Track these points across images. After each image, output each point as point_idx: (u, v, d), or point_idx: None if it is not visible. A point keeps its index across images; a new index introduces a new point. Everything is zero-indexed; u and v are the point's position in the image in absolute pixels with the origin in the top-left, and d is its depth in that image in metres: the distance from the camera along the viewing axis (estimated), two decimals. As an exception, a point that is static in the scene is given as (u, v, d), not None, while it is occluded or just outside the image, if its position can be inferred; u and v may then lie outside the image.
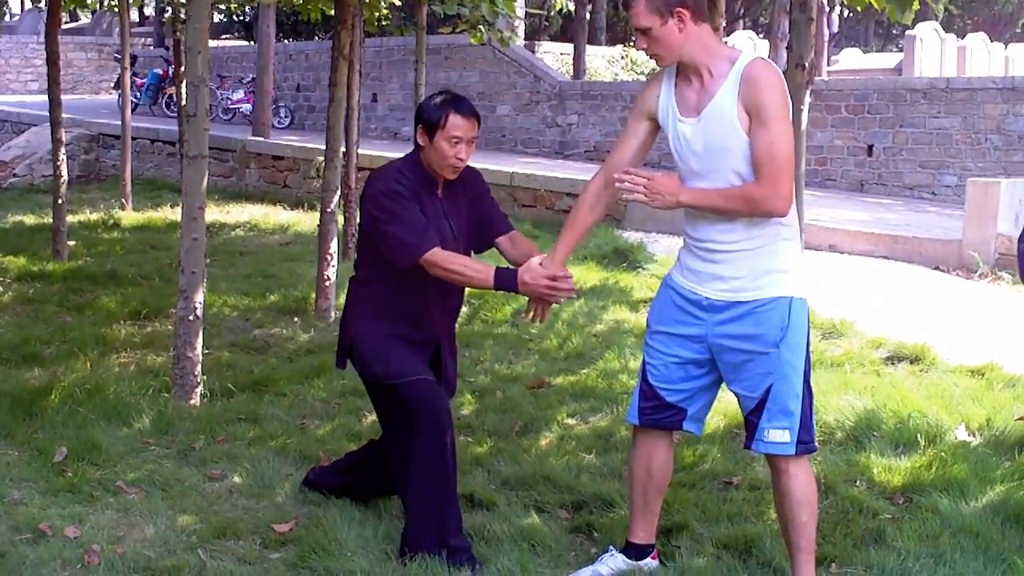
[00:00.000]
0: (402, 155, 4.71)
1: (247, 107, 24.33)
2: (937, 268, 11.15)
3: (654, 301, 4.38)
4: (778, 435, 4.09)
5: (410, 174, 4.54)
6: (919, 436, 5.83)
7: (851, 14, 37.58)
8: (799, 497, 4.15)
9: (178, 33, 14.69)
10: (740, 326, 4.07)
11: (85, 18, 42.54)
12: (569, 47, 25.02)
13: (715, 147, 3.98)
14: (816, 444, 4.22)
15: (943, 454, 5.60)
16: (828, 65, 25.03)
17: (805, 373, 4.13)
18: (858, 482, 5.40)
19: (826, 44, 24.31)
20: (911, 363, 7.49)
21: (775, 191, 3.90)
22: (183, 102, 11.29)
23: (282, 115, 23.95)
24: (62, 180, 11.48)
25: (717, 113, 3.95)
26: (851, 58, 30.10)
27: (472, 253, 4.73)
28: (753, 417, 4.14)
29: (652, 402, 4.28)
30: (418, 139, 4.56)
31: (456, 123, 4.50)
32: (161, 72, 26.20)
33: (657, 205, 4.02)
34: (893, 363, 7.52)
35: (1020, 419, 6.15)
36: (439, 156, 4.51)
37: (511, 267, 4.54)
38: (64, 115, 11.88)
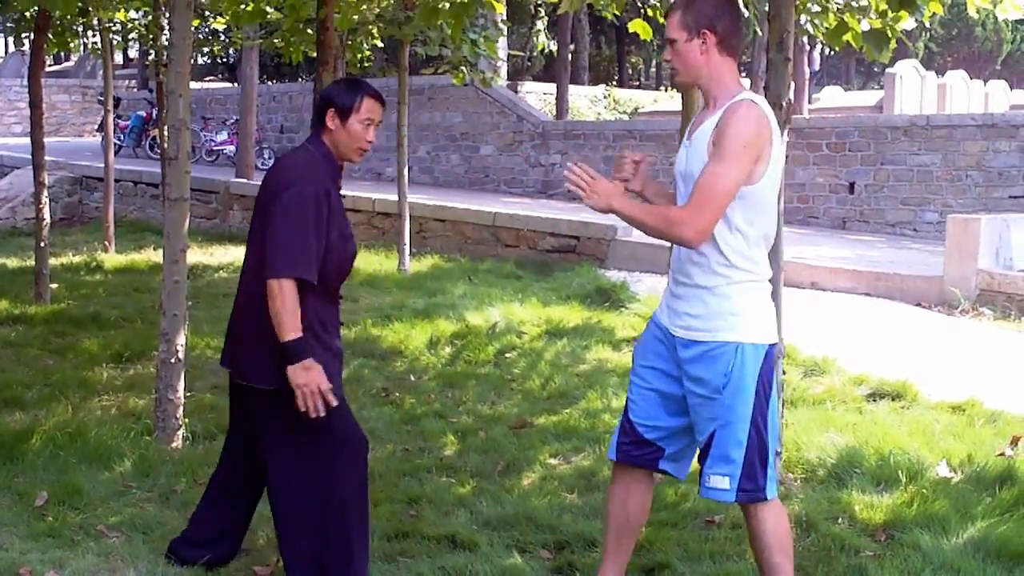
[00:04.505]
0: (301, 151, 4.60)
1: (231, 149, 24.37)
2: (919, 304, 11.19)
3: (640, 337, 4.40)
4: (718, 481, 4.05)
5: (323, 171, 4.49)
6: (900, 473, 5.84)
7: (832, 52, 37.83)
8: (769, 540, 4.11)
9: (161, 76, 14.75)
10: (696, 368, 4.06)
11: (72, 59, 42.64)
12: (552, 87, 25.15)
13: (690, 172, 4.06)
14: (767, 495, 4.07)
15: (924, 491, 5.61)
16: (809, 103, 25.16)
17: (757, 421, 4.03)
18: (840, 519, 5.41)
19: (807, 82, 24.47)
20: (893, 400, 7.51)
21: (693, 218, 3.91)
22: (166, 145, 11.33)
23: (266, 156, 23.98)
24: (45, 223, 11.45)
25: (699, 140, 4.05)
26: (832, 96, 30.24)
27: None
28: (700, 462, 4.14)
29: (630, 438, 4.28)
30: (328, 123, 4.52)
31: (370, 106, 4.51)
32: (144, 114, 26.26)
33: (591, 204, 4.05)
34: (875, 400, 7.54)
35: (1001, 455, 6.17)
36: (352, 139, 4.51)
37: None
38: (47, 158, 11.88)
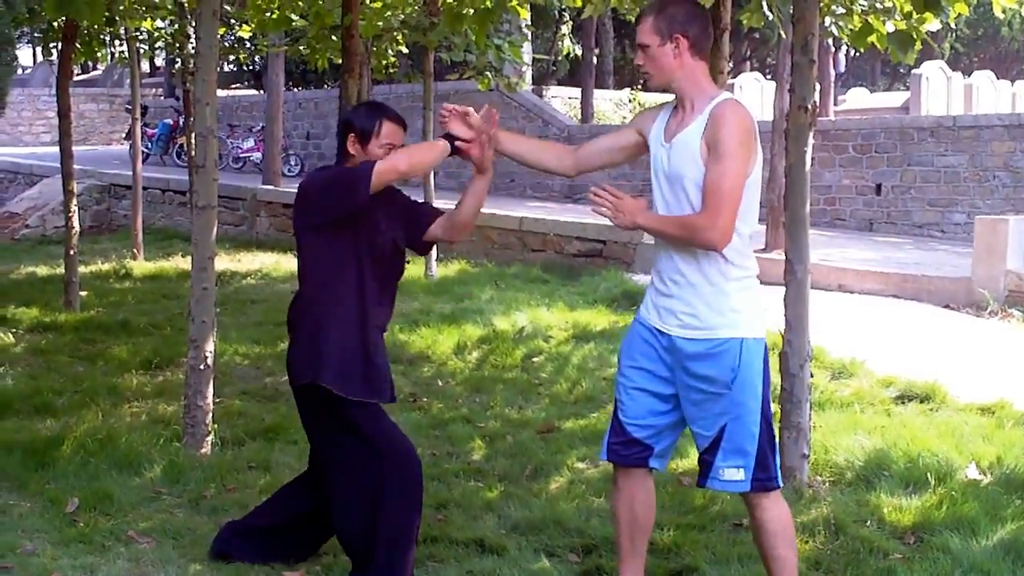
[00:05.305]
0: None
1: (257, 156, 24.44)
2: (947, 306, 11.15)
3: (624, 338, 4.46)
4: (733, 473, 4.15)
5: None
6: (929, 475, 5.83)
7: (858, 54, 37.70)
8: (773, 528, 4.19)
9: (188, 84, 14.81)
10: (700, 366, 4.13)
11: (99, 68, 42.83)
12: (577, 91, 25.13)
13: (677, 174, 4.13)
14: (779, 482, 4.22)
15: (954, 493, 5.59)
16: (835, 105, 25.08)
17: (764, 413, 4.16)
18: (868, 522, 5.39)
19: (833, 84, 24.37)
20: (921, 402, 7.48)
21: (713, 221, 4.01)
22: (193, 152, 11.38)
23: (292, 163, 24.05)
24: (74, 231, 11.52)
25: (684, 142, 4.11)
26: (858, 97, 30.16)
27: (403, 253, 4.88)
28: (708, 456, 4.19)
29: (620, 438, 4.34)
30: (349, 149, 4.61)
31: (390, 130, 4.60)
32: (171, 122, 26.36)
33: (618, 223, 4.21)
34: (903, 402, 7.52)
35: (1031, 456, 6.14)
36: None
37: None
38: (76, 166, 11.95)
